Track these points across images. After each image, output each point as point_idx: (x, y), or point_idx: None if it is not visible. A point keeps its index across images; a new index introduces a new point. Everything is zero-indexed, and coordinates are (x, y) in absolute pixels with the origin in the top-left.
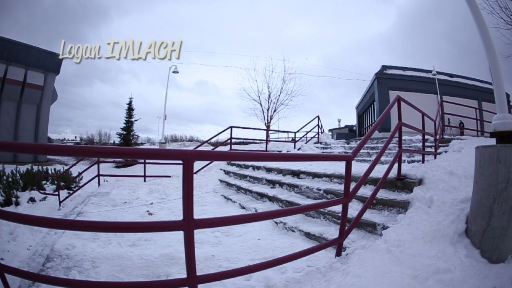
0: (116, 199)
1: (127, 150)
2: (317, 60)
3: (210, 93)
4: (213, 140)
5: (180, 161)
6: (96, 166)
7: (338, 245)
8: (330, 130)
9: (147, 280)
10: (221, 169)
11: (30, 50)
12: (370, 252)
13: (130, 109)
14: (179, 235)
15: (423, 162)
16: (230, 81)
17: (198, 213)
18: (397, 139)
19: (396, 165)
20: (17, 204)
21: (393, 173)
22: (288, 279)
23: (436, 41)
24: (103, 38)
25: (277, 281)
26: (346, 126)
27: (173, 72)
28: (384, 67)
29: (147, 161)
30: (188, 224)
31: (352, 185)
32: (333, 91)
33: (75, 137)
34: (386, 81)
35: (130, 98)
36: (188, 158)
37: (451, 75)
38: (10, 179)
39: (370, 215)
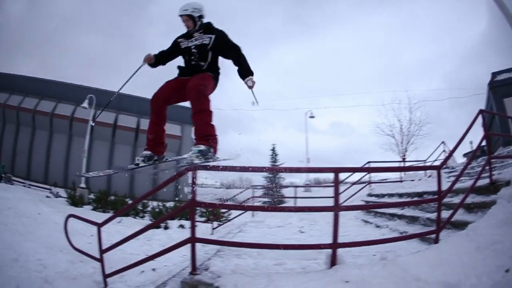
0: (271, 224)
1: (282, 168)
2: (436, 82)
3: (345, 134)
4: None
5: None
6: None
7: (435, 236)
8: (465, 155)
9: None
10: (361, 200)
11: None
12: (455, 237)
13: (274, 155)
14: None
15: None
16: (363, 119)
17: (341, 234)
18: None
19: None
20: (166, 228)
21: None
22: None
23: None
24: (226, 90)
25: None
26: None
27: (310, 117)
28: (494, 74)
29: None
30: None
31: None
32: (460, 111)
33: (215, 182)
34: (498, 89)
35: (273, 144)
36: (336, 171)
37: None
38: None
39: (462, 216)
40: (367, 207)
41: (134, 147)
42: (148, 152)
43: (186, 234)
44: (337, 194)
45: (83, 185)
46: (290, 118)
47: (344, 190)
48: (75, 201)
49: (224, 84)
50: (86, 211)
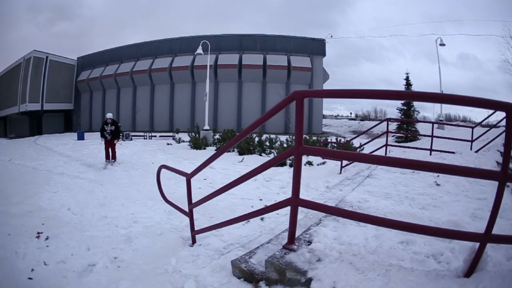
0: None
1: (431, 94)
2: None
3: (473, 68)
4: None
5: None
6: (377, 140)
7: None
8: None
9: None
10: (497, 151)
11: (290, 40)
12: None
13: (408, 84)
14: (463, 207)
15: None
16: (490, 53)
17: (476, 206)
18: None
19: None
20: (291, 166)
21: None
22: None
23: None
24: (351, 19)
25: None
26: None
27: (440, 44)
28: None
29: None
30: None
31: None
32: None
33: (350, 113)
34: None
35: (407, 74)
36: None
37: None
38: (287, 145)
39: None
40: None
41: (263, 84)
42: None
43: (314, 173)
44: (508, 153)
45: (207, 127)
46: (418, 47)
47: (482, 134)
48: (197, 144)
49: (349, 14)
50: (208, 152)
